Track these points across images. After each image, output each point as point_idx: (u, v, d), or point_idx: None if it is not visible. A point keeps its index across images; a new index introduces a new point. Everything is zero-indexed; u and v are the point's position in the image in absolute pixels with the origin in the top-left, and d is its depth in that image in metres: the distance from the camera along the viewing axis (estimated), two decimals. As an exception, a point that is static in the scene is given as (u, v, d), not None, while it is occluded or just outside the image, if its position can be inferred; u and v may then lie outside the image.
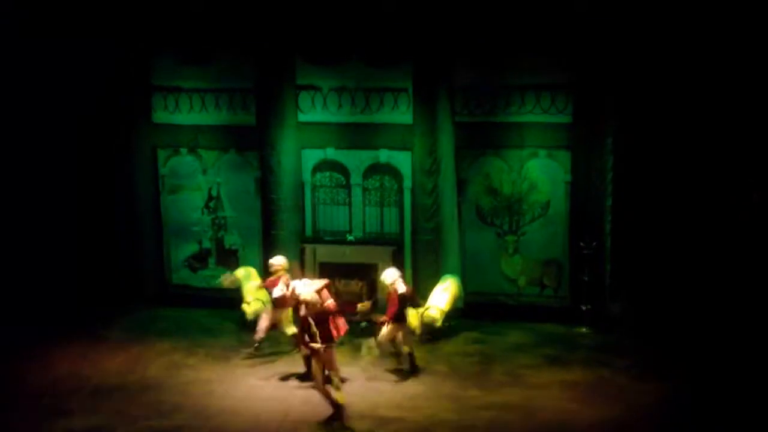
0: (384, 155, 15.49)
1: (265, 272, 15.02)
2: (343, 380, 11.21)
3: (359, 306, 12.90)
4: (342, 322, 11.20)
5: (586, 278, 14.53)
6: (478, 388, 11.97)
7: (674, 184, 14.00)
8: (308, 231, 15.81)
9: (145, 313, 15.48)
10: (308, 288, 11.12)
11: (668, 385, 11.84)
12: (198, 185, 16.17)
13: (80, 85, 15.31)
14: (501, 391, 11.79)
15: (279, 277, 12.94)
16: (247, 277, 14.92)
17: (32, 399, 11.57)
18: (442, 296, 14.18)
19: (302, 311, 11.04)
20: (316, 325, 10.80)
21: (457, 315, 14.60)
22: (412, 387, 12.00)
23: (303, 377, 12.07)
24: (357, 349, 12.91)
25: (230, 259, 16.07)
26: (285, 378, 12.31)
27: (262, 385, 12.10)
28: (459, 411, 11.14)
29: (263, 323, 13.14)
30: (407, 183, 15.42)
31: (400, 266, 14.98)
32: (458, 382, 12.20)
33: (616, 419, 10.76)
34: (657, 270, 14.13)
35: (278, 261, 13.11)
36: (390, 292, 12.53)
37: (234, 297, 14.56)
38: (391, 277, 12.56)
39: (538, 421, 10.82)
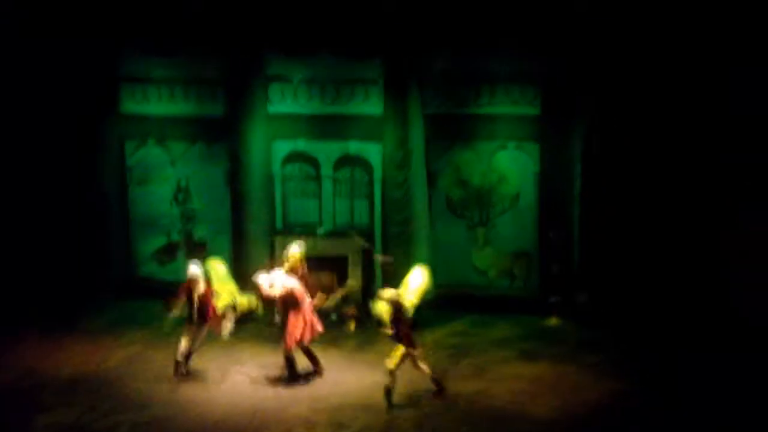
0: (354, 147, 15.48)
1: (236, 263, 15.03)
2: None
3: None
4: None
5: (554, 269, 14.64)
6: (451, 379, 11.93)
7: (642, 176, 14.16)
8: (278, 223, 15.74)
9: (113, 305, 15.30)
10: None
11: (626, 380, 11.85)
12: (166, 177, 16.03)
13: (46, 75, 15.06)
14: (460, 383, 11.75)
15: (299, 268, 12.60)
16: (217, 269, 14.88)
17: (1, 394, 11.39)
18: (412, 288, 14.19)
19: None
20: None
21: (427, 306, 14.60)
22: (372, 378, 11.99)
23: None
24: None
25: (199, 252, 15.93)
26: (255, 369, 12.24)
27: (231, 377, 12.02)
28: (413, 403, 11.09)
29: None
30: (377, 175, 15.43)
31: (370, 258, 15.16)
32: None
33: (569, 413, 10.74)
34: (625, 260, 14.30)
35: (296, 249, 12.73)
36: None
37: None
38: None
39: (483, 411, 10.82)
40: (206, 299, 11.92)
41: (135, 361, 12.64)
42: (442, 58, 14.80)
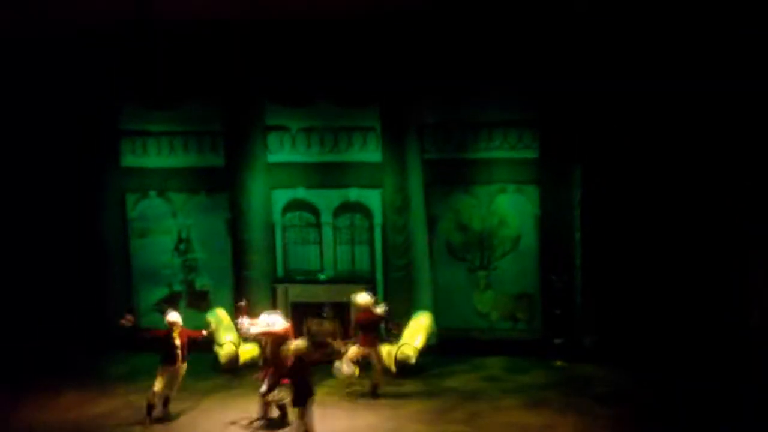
0: (354, 194, 15.56)
1: (235, 313, 14.97)
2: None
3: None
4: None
5: (557, 311, 14.60)
6: (450, 423, 11.90)
7: (643, 215, 14.20)
8: (279, 271, 15.76)
9: (115, 357, 15.23)
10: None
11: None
12: (167, 228, 16.10)
13: (48, 130, 15.26)
14: (476, 426, 11.69)
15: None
16: (219, 321, 14.86)
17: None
18: (416, 333, 14.19)
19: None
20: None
21: (430, 351, 14.55)
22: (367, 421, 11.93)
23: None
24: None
25: (201, 302, 15.94)
26: (257, 422, 12.14)
27: (235, 429, 11.93)
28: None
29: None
30: (378, 220, 15.48)
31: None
32: (436, 420, 12.10)
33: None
34: (628, 301, 14.25)
35: (364, 299, 13.04)
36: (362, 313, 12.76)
37: (206, 340, 14.39)
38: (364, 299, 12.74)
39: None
40: (184, 342, 12.04)
41: (138, 414, 12.51)
42: (439, 105, 14.93)
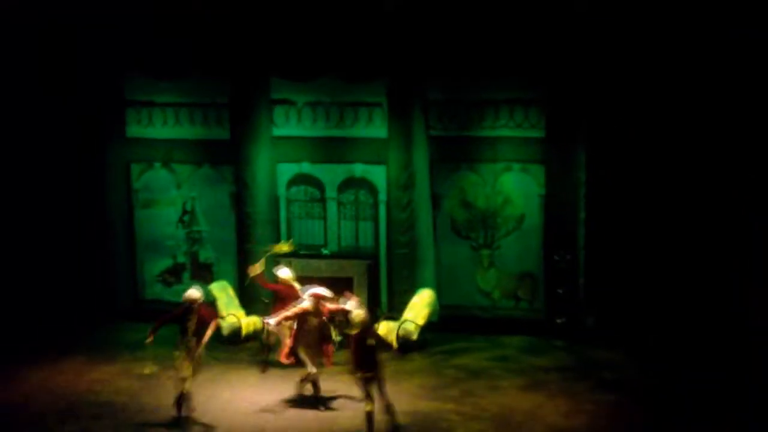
0: (359, 169, 15.52)
1: (241, 286, 15.10)
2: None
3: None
4: None
5: (560, 291, 14.63)
6: (441, 401, 11.95)
7: (647, 197, 14.15)
8: (283, 245, 15.79)
9: (118, 328, 15.32)
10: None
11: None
12: (172, 200, 16.11)
13: (53, 100, 15.23)
14: (466, 404, 11.77)
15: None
16: (223, 292, 14.93)
17: (3, 418, 11.39)
18: (418, 310, 14.23)
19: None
20: None
21: (431, 328, 14.60)
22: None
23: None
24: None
25: (205, 274, 16.00)
26: (262, 392, 12.23)
27: (237, 400, 12.01)
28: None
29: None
30: (382, 197, 15.45)
31: (375, 280, 15.18)
32: (429, 396, 12.18)
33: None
34: (631, 282, 14.26)
35: (285, 273, 13.01)
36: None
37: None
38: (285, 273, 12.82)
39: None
40: (206, 321, 11.75)
41: (141, 384, 12.64)
42: (446, 82, 14.85)
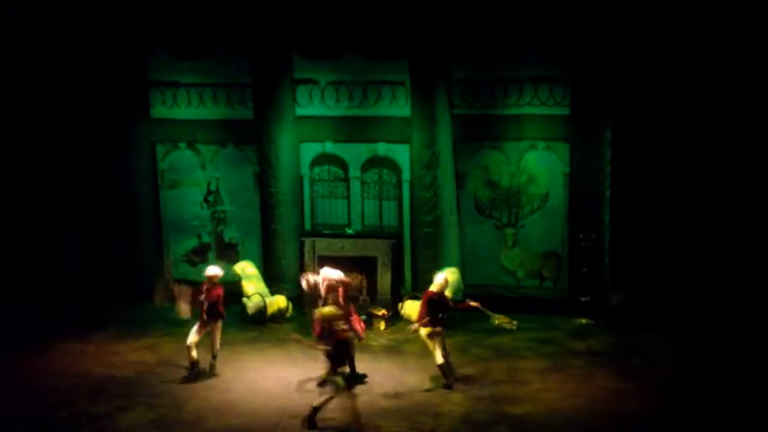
0: (382, 148, 15.50)
1: (265, 265, 15.22)
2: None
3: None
4: None
5: (585, 270, 14.55)
6: (467, 382, 11.93)
7: (672, 176, 14.02)
8: (307, 225, 15.83)
9: (145, 307, 15.48)
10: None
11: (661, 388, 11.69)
12: (197, 180, 16.21)
13: (78, 81, 15.32)
14: (489, 386, 11.76)
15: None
16: (248, 271, 15.02)
17: (33, 394, 11.60)
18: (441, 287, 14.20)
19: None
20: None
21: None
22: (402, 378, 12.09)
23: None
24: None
25: (229, 253, 16.10)
26: (285, 372, 12.31)
27: (262, 379, 12.11)
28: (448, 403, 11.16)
29: None
30: (406, 176, 15.43)
31: (399, 259, 15.18)
32: (430, 369, 12.11)
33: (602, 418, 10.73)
34: (656, 261, 14.15)
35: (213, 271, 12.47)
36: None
37: (235, 291, 14.59)
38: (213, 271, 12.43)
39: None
40: (219, 299, 12.03)
41: (168, 362, 12.78)
42: (470, 60, 14.73)
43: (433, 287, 11.82)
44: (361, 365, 12.01)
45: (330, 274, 12.28)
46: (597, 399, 11.25)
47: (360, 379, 11.81)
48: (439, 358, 11.56)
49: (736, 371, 11.82)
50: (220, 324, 12.16)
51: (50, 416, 10.91)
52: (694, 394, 11.30)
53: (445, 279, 11.99)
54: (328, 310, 11.31)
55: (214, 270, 12.25)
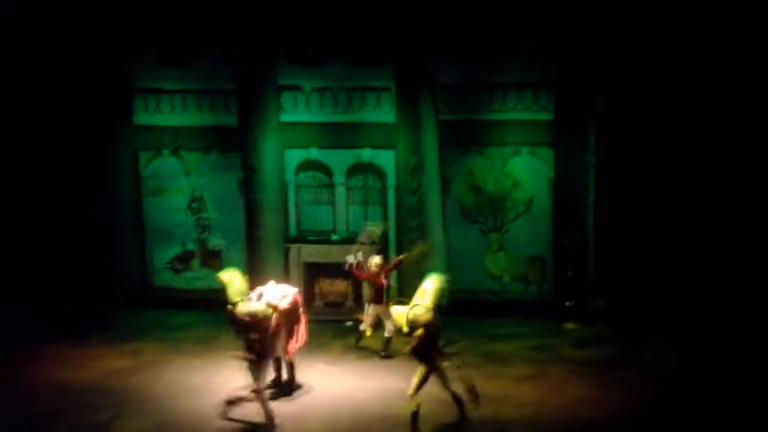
0: (367, 154, 15.50)
1: (250, 272, 15.06)
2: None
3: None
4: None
5: (570, 274, 14.62)
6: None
7: (656, 179, 14.14)
8: (292, 231, 15.79)
9: (128, 315, 15.37)
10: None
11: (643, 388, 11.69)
12: (180, 187, 16.12)
13: (60, 88, 15.20)
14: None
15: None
16: (232, 279, 14.90)
17: (15, 404, 11.43)
18: (427, 294, 14.19)
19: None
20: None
21: (442, 312, 14.54)
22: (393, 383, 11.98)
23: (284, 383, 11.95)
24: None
25: (214, 261, 16.02)
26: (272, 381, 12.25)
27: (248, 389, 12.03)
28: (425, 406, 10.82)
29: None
30: (391, 181, 15.45)
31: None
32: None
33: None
34: (641, 264, 14.25)
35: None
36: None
37: (219, 299, 14.48)
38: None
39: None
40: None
41: (151, 371, 12.67)
42: (454, 66, 14.79)
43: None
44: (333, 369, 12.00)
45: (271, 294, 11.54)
46: (566, 407, 11.07)
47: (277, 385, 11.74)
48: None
49: (720, 379, 11.77)
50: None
51: (48, 428, 10.74)
52: (667, 405, 11.08)
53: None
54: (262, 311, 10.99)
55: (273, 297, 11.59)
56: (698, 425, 10.50)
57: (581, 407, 11.05)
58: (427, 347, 10.18)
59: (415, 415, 10.11)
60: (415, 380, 10.16)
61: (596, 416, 10.77)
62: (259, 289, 11.80)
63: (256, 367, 10.65)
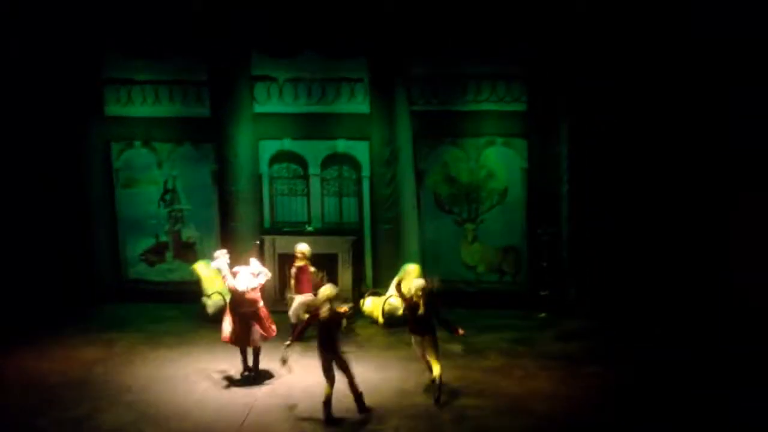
0: (342, 145, 15.48)
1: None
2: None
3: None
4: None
5: (544, 264, 14.72)
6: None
7: (629, 170, 14.24)
8: (266, 222, 15.74)
9: (102, 308, 15.25)
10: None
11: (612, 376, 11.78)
12: (153, 178, 15.99)
13: (29, 79, 14.97)
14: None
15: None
16: (207, 270, 14.87)
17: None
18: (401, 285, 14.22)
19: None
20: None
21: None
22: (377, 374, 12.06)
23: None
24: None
25: (188, 253, 15.93)
26: (247, 371, 12.21)
27: (224, 380, 12.01)
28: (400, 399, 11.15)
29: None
30: (366, 173, 15.44)
31: (359, 256, 15.19)
32: (404, 371, 12.13)
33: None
34: (614, 254, 14.36)
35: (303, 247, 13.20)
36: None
37: (194, 290, 14.45)
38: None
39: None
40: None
41: (127, 365, 12.59)
42: (428, 57, 14.78)
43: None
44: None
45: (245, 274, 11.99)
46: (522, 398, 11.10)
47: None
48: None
49: (690, 373, 11.78)
50: None
51: (29, 423, 10.60)
52: (626, 401, 11.05)
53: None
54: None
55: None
56: (651, 419, 10.51)
57: (536, 400, 11.03)
58: (428, 315, 11.03)
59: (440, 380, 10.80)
60: (433, 353, 10.98)
61: (547, 410, 10.72)
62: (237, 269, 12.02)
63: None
